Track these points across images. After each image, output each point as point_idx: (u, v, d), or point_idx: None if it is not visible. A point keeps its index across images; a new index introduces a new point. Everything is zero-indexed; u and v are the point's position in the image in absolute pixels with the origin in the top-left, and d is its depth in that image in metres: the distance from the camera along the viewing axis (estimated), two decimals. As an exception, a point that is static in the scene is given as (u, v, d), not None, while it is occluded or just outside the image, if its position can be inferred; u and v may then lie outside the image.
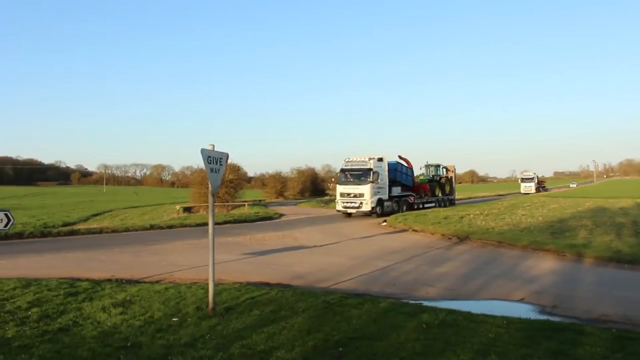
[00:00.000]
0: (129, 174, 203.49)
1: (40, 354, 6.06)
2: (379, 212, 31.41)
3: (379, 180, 31.58)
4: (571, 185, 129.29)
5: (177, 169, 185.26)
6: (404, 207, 34.60)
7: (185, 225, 26.01)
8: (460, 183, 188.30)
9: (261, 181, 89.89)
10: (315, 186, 79.94)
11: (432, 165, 42.56)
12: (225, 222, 28.00)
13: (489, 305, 9.31)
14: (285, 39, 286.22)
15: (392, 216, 29.18)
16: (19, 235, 20.17)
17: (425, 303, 9.15)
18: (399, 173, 35.39)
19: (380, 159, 32.60)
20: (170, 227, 25.81)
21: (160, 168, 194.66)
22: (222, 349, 6.16)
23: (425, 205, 37.82)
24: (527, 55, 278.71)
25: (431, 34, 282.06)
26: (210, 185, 8.26)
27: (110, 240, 19.84)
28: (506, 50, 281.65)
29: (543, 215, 27.18)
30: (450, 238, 19.96)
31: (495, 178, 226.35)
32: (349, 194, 32.10)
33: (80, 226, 25.65)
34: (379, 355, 6.02)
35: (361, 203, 31.18)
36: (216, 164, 8.26)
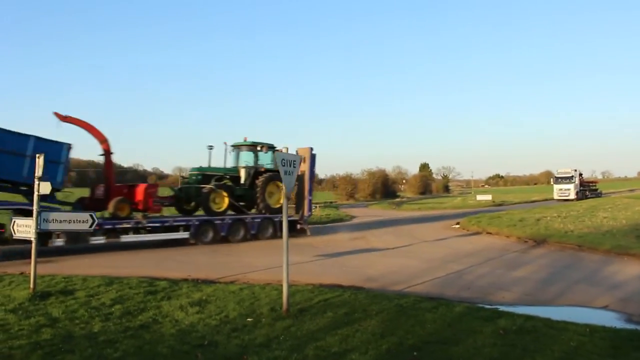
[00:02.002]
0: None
1: (124, 349, 6.32)
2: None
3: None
4: None
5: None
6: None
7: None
8: (535, 184, 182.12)
9: (332, 183, 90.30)
10: (386, 188, 79.62)
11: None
12: (297, 224, 28.27)
13: (570, 311, 8.97)
14: (353, 42, 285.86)
15: (466, 218, 28.62)
16: (103, 236, 21.17)
17: (502, 308, 8.91)
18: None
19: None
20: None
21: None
22: (297, 350, 6.22)
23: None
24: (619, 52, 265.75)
25: (517, 29, 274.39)
26: (284, 187, 8.37)
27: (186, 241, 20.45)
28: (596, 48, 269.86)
29: (627, 218, 25.86)
30: (526, 241, 19.39)
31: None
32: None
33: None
34: (455, 361, 5.92)
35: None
36: (290, 166, 8.37)
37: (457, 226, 26.47)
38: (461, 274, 12.64)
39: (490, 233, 22.55)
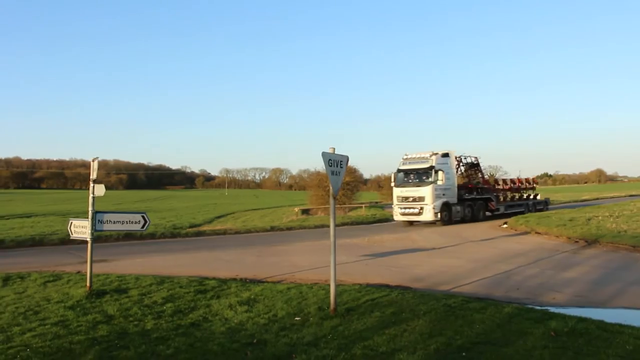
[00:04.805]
0: (249, 178, 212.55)
1: (176, 346, 6.49)
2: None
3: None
4: None
5: (294, 172, 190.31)
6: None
7: (304, 227, 26.67)
8: (585, 183, 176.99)
9: (377, 183, 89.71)
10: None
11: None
12: (343, 224, 28.34)
13: (625, 314, 8.70)
14: (398, 43, 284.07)
15: (513, 218, 28.02)
16: (152, 236, 21.75)
17: (552, 309, 8.72)
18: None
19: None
20: (290, 228, 26.62)
21: (279, 171, 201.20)
22: (345, 349, 6.26)
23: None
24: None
25: (570, 28, 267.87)
26: (331, 188, 8.42)
27: (233, 241, 20.82)
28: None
29: (685, 217, 24.85)
30: (577, 241, 18.86)
31: (625, 177, 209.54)
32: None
33: (206, 227, 27.03)
34: (505, 362, 5.85)
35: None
36: (337, 166, 8.42)
37: (505, 226, 25.98)
38: (509, 275, 12.43)
39: (539, 233, 22.06)
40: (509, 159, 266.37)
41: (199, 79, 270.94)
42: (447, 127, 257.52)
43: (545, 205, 37.79)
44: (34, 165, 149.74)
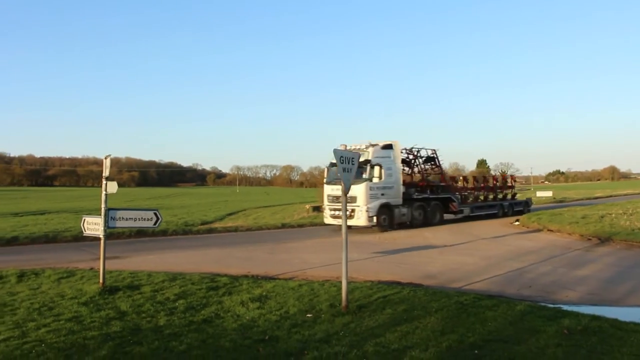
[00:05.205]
0: (260, 175, 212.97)
1: (189, 342, 6.53)
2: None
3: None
4: None
5: (305, 169, 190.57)
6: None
7: (315, 224, 26.63)
8: (598, 180, 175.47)
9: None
10: (442, 185, 78.33)
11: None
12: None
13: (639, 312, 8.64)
14: (417, 38, 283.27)
15: (525, 215, 27.90)
16: (164, 233, 21.84)
17: (565, 307, 8.70)
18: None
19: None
20: (301, 225, 26.63)
21: (289, 169, 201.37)
22: (356, 346, 6.26)
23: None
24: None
25: (579, 23, 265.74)
26: (342, 185, 8.43)
27: (245, 238, 20.86)
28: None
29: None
30: (589, 239, 18.76)
31: (639, 174, 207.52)
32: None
33: (217, 225, 27.09)
34: (517, 360, 5.83)
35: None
36: (348, 163, 8.43)
37: (517, 223, 25.90)
38: (522, 272, 12.38)
39: (551, 230, 21.95)
40: (521, 156, 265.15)
41: (210, 76, 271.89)
42: (457, 124, 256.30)
43: (525, 206, 33.38)
44: (47, 163, 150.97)
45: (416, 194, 25.49)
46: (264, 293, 9.41)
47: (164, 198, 71.99)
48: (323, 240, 19.36)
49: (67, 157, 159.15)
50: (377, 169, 22.59)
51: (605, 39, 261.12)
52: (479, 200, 30.93)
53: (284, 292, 9.52)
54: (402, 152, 25.84)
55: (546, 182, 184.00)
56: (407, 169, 27.24)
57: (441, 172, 28.96)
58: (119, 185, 10.45)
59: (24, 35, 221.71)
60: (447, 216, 27.74)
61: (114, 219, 10.08)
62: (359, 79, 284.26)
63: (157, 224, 10.78)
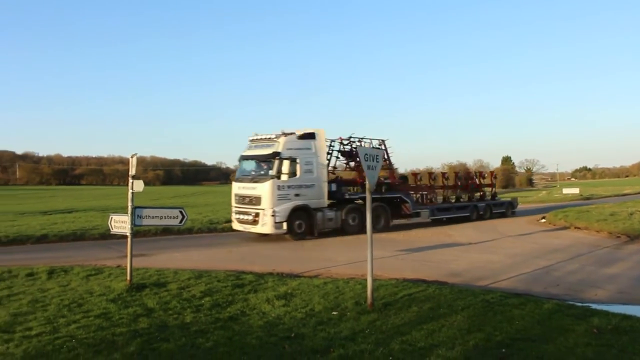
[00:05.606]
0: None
1: (215, 339, 6.59)
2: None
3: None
4: None
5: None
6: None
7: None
8: (627, 176, 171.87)
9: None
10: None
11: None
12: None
13: (672, 311, 8.46)
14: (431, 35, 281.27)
15: (552, 213, 27.46)
16: (189, 231, 21.97)
17: (594, 306, 8.58)
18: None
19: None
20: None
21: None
22: (382, 344, 6.26)
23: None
24: None
25: (606, 18, 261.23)
26: (367, 182, 8.42)
27: (269, 235, 20.89)
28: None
29: None
30: (618, 237, 18.45)
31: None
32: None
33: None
34: (546, 359, 5.76)
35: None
36: (372, 161, 8.42)
37: (543, 221, 25.55)
38: (548, 270, 12.24)
39: (578, 228, 21.62)
40: (546, 153, 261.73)
41: (234, 73, 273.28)
42: (477, 121, 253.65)
43: (509, 208, 28.85)
44: (74, 162, 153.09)
45: (348, 194, 21.28)
46: (289, 291, 9.44)
47: (188, 196, 72.51)
48: (347, 238, 19.32)
49: (94, 156, 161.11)
50: (286, 163, 18.56)
51: (636, 35, 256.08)
52: (449, 200, 26.89)
53: (309, 289, 9.55)
54: (339, 143, 22.03)
55: (572, 178, 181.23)
56: (352, 164, 22.59)
57: (390, 167, 23.61)
58: (144, 183, 10.56)
59: (56, 34, 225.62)
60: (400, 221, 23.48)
61: (140, 217, 10.20)
62: (388, 72, 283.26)
63: (183, 222, 10.88)
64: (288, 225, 18.33)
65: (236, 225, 19.93)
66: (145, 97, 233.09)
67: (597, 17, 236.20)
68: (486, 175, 29.88)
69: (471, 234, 20.38)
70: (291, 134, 19.30)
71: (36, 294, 9.38)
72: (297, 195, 18.75)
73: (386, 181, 22.90)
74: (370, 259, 8.19)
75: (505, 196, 32.15)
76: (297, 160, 18.86)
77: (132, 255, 10.12)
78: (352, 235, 19.53)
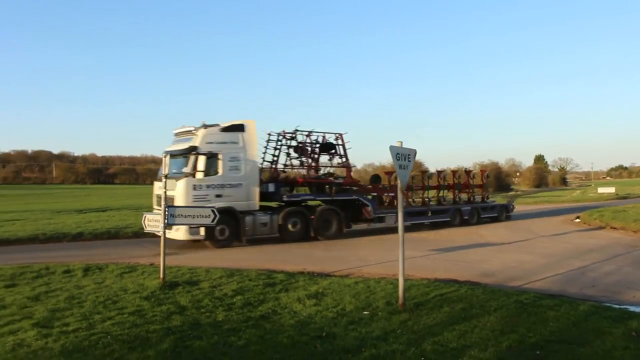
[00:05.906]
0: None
1: (247, 337, 6.63)
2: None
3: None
4: None
5: (359, 166, 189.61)
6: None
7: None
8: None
9: (443, 177, 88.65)
10: (499, 181, 76.60)
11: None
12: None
13: None
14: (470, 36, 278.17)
15: (586, 212, 26.90)
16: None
17: (633, 309, 8.36)
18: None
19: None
20: (356, 222, 26.57)
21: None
22: (414, 344, 6.22)
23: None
24: None
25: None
26: (399, 182, 8.37)
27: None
28: None
29: None
30: (657, 237, 17.99)
31: None
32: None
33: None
34: (582, 362, 5.66)
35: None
36: (405, 160, 8.35)
37: (578, 220, 25.08)
38: (584, 271, 11.99)
39: (614, 228, 21.16)
40: (580, 151, 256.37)
41: (265, 69, 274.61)
42: (509, 121, 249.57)
43: (502, 212, 26.13)
44: (107, 161, 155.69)
45: (287, 195, 19.21)
46: (320, 290, 9.44)
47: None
48: (378, 237, 19.27)
49: (127, 155, 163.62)
50: (202, 159, 16.44)
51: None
52: (430, 202, 24.07)
53: (340, 289, 9.53)
54: (283, 137, 20.11)
55: (608, 177, 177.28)
56: (305, 160, 20.43)
57: (346, 165, 20.62)
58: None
59: (88, 33, 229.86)
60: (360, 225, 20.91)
61: (173, 216, 10.34)
62: (428, 72, 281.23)
63: (215, 221, 10.97)
64: (207, 230, 16.30)
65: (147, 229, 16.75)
66: (176, 97, 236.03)
67: (632, 16, 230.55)
68: (476, 174, 27.09)
69: (503, 233, 20.14)
70: (214, 125, 17.39)
71: (73, 290, 9.58)
72: (218, 196, 16.64)
73: (337, 181, 20.33)
74: (401, 258, 8.14)
75: (536, 195, 31.17)
76: (219, 156, 16.80)
77: (165, 254, 10.26)
78: (291, 242, 17.87)
